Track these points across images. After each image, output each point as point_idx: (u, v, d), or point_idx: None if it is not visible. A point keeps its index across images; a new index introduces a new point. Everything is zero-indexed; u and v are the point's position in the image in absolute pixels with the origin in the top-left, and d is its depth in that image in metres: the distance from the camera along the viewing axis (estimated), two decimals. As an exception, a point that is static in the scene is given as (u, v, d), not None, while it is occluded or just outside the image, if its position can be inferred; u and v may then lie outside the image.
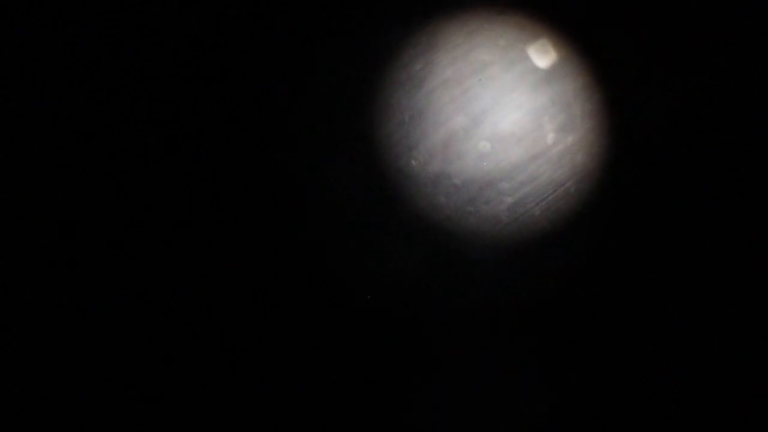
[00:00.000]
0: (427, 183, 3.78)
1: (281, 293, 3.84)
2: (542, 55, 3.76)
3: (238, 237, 3.83)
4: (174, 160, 3.81)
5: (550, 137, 3.74)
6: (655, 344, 3.79)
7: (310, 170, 3.87)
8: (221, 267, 3.82)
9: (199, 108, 3.83)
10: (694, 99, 3.80)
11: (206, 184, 3.82)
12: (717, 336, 3.76)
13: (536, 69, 3.76)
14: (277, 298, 3.83)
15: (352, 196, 3.85)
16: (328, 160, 3.86)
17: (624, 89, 3.80)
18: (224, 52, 3.82)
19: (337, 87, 3.84)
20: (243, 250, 3.83)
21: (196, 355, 3.77)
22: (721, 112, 3.80)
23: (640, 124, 3.80)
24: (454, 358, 3.85)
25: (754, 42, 3.77)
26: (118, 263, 3.76)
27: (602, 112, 3.79)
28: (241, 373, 3.79)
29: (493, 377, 3.82)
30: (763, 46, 3.77)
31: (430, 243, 3.83)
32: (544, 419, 3.80)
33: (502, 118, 3.75)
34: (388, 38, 3.81)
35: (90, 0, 3.73)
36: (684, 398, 3.76)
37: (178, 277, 3.79)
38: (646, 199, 3.82)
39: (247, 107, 3.85)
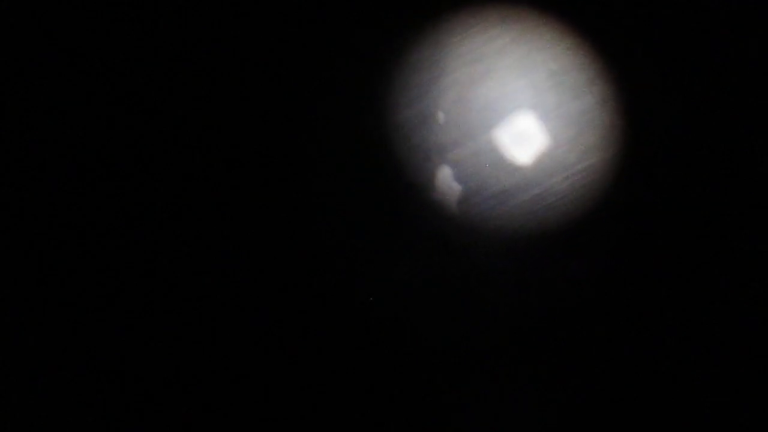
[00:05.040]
0: (436, 188, 3.77)
1: (283, 295, 3.83)
2: (554, 59, 3.76)
3: (240, 238, 3.83)
4: (175, 161, 3.81)
5: (562, 142, 3.74)
6: (666, 352, 3.78)
7: (314, 172, 3.86)
8: (222, 268, 3.81)
9: (202, 110, 3.82)
10: (706, 103, 3.79)
11: (211, 185, 3.82)
12: (729, 341, 3.76)
13: (547, 73, 3.76)
14: (279, 301, 3.83)
15: (358, 200, 3.84)
16: (333, 163, 3.86)
17: (636, 93, 3.80)
18: (232, 56, 3.83)
19: (344, 90, 3.84)
20: (245, 252, 3.83)
21: (197, 356, 3.77)
22: (733, 115, 3.80)
23: (653, 127, 3.80)
24: (457, 363, 3.84)
25: (764, 44, 3.77)
26: (118, 263, 3.76)
27: (614, 116, 3.78)
28: (241, 374, 3.79)
29: (497, 384, 3.82)
30: None
31: (438, 249, 3.83)
32: (552, 427, 3.80)
33: (513, 124, 3.74)
34: (397, 41, 3.81)
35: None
36: (697, 408, 3.76)
37: (178, 277, 3.78)
38: (658, 204, 3.81)
39: (252, 110, 3.85)
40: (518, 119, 3.74)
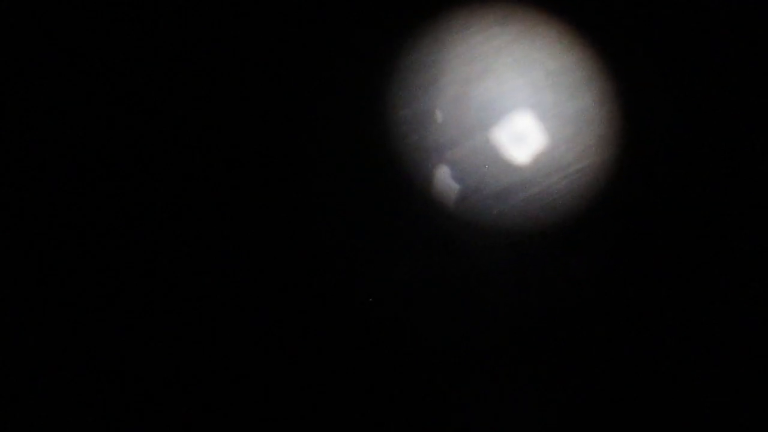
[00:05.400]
0: (434, 187, 3.77)
1: (283, 295, 3.83)
2: (552, 58, 3.76)
3: (240, 238, 3.83)
4: (175, 161, 3.81)
5: (560, 142, 3.73)
6: (666, 352, 3.78)
7: (314, 172, 3.86)
8: (222, 268, 3.81)
9: (202, 110, 3.83)
10: (705, 102, 3.79)
11: (211, 185, 3.82)
12: (729, 341, 3.75)
13: (546, 72, 3.76)
14: (279, 301, 3.83)
15: (358, 200, 3.84)
16: (333, 162, 3.86)
17: (635, 92, 3.79)
18: (231, 55, 3.83)
19: (344, 90, 3.84)
20: (245, 252, 3.83)
21: (197, 356, 3.77)
22: (733, 115, 3.79)
23: (651, 126, 3.80)
24: (457, 363, 3.84)
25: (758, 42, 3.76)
26: (118, 263, 3.76)
27: (612, 115, 3.78)
28: (241, 374, 3.79)
29: (497, 384, 3.81)
30: None
31: (438, 249, 3.82)
32: (552, 427, 3.79)
33: (512, 123, 3.74)
34: (396, 41, 3.81)
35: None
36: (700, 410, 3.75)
37: (178, 277, 3.78)
38: (657, 203, 3.81)
39: (251, 110, 3.85)
40: (517, 118, 3.74)
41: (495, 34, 3.78)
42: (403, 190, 3.81)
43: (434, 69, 3.78)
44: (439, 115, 3.77)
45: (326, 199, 3.86)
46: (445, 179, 3.77)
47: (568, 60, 3.76)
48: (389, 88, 3.81)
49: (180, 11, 3.80)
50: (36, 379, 3.69)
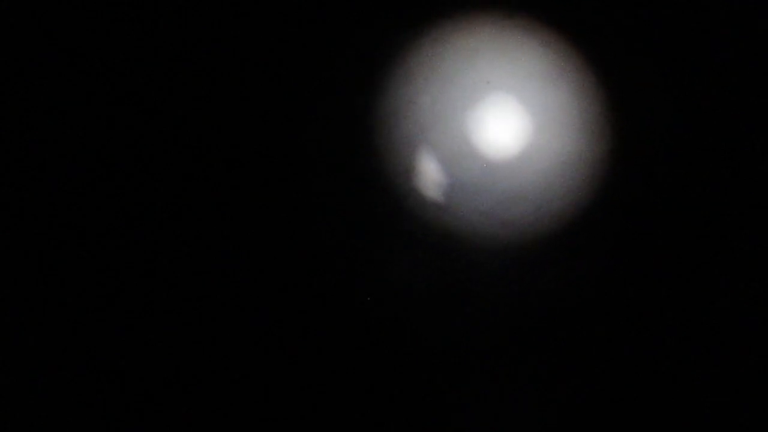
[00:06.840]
0: (433, 189, 3.77)
1: (283, 295, 3.83)
2: (548, 59, 3.76)
3: (240, 238, 3.83)
4: (175, 161, 3.81)
5: (557, 142, 3.74)
6: (666, 352, 3.78)
7: (315, 174, 3.86)
8: (222, 268, 3.81)
9: (202, 110, 3.83)
10: (700, 102, 3.79)
11: (212, 185, 3.82)
12: (729, 341, 3.75)
13: (543, 73, 3.76)
14: (279, 301, 3.83)
15: (356, 201, 3.84)
16: (333, 164, 3.86)
17: (630, 92, 3.80)
18: (231, 57, 3.83)
19: (343, 92, 3.84)
20: (245, 252, 3.83)
21: (197, 356, 3.77)
22: (728, 114, 3.79)
23: (647, 126, 3.80)
24: (457, 363, 3.84)
25: (758, 42, 3.77)
26: (118, 263, 3.76)
27: (609, 116, 3.78)
28: (241, 374, 3.79)
29: (497, 384, 3.82)
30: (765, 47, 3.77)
31: (436, 249, 3.82)
32: (552, 427, 3.80)
33: (509, 123, 3.74)
34: (393, 43, 3.81)
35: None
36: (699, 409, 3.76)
37: (178, 277, 3.78)
38: (653, 203, 3.81)
39: (251, 111, 3.85)
40: (515, 119, 3.75)
41: (489, 32, 3.79)
42: (401, 191, 3.81)
43: (433, 71, 3.79)
44: (437, 118, 3.77)
45: (326, 199, 3.86)
46: (443, 180, 3.77)
47: (562, 58, 3.77)
48: (389, 92, 3.81)
49: (180, 11, 3.80)
50: (36, 379, 3.69)
